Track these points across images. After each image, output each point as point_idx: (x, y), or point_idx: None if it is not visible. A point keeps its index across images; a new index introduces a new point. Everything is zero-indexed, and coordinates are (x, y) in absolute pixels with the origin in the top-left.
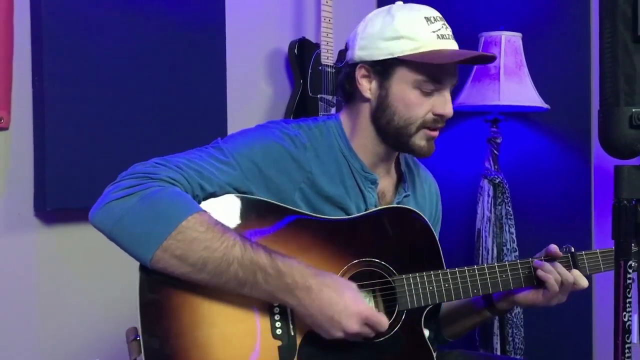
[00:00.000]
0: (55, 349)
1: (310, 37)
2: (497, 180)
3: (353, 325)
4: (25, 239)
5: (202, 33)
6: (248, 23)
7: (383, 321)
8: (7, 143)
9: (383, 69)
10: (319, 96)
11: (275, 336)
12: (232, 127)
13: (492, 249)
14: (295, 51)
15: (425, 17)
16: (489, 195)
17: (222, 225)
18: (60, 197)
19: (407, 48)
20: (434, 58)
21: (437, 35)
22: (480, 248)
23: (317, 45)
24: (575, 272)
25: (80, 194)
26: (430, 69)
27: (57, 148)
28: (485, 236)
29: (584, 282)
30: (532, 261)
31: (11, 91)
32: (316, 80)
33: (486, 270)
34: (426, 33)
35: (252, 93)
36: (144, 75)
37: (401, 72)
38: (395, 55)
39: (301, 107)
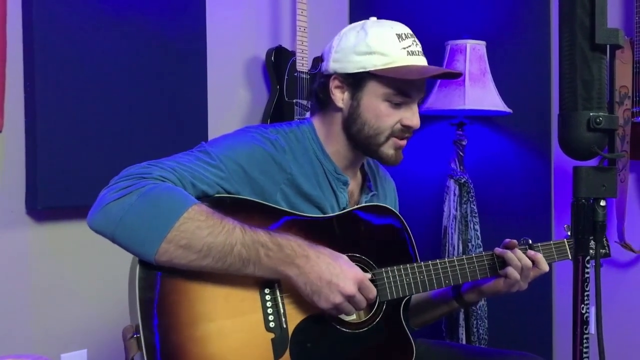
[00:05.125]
0: (47, 340)
1: (286, 45)
2: (463, 180)
3: (350, 287)
4: (18, 235)
5: (185, 42)
6: (227, 32)
7: (373, 288)
8: (0, 145)
9: (355, 81)
10: (294, 101)
11: (268, 329)
12: (213, 130)
13: (458, 245)
14: (272, 58)
15: (397, 34)
16: (454, 194)
17: (219, 213)
18: (51, 196)
19: (379, 63)
20: (404, 74)
21: (408, 51)
22: (447, 244)
23: (292, 53)
24: (538, 256)
25: (69, 194)
26: (399, 83)
27: (47, 150)
28: (452, 233)
29: (544, 266)
30: (494, 251)
31: (4, 96)
32: (292, 86)
33: (456, 262)
34: (397, 49)
35: (231, 98)
36: (129, 81)
37: (372, 85)
38: (367, 69)
39: (278, 112)
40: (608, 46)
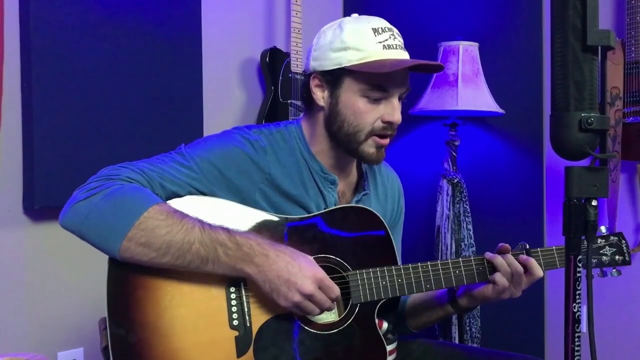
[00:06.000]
0: (43, 339)
1: (281, 46)
2: (456, 180)
3: (308, 286)
4: (15, 235)
5: (180, 43)
6: (223, 33)
7: (335, 288)
8: None
9: (333, 78)
10: (289, 102)
11: (232, 327)
12: (208, 130)
13: (451, 245)
14: (267, 59)
15: (372, 28)
16: (447, 194)
17: (181, 212)
18: (48, 196)
19: (354, 58)
20: (377, 67)
21: (384, 45)
22: (440, 244)
23: (287, 54)
24: (530, 260)
25: (66, 193)
26: (375, 78)
27: (44, 150)
28: (445, 232)
29: (538, 271)
30: (485, 256)
31: (1, 96)
32: (286, 86)
33: (439, 267)
34: (372, 43)
35: (226, 99)
36: (126, 81)
37: (348, 82)
38: (343, 65)
39: (272, 112)
40: (599, 47)
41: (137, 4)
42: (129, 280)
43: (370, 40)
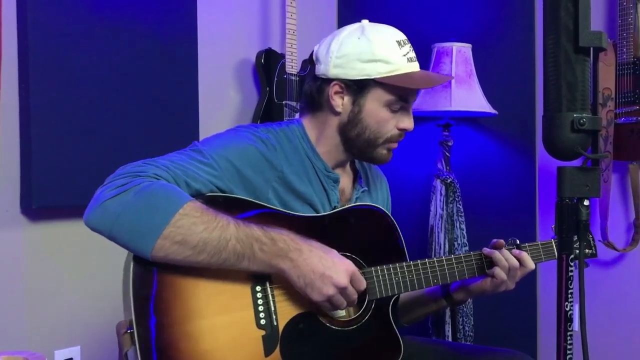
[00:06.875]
0: (41, 337)
1: (276, 47)
2: (449, 180)
3: (343, 279)
4: (13, 234)
5: (176, 44)
6: (218, 35)
7: (363, 280)
8: None
9: (358, 88)
10: (284, 102)
11: (259, 326)
12: (204, 131)
13: (444, 244)
14: (262, 61)
15: (397, 41)
16: (441, 194)
17: (213, 209)
18: (45, 196)
19: (383, 70)
20: (409, 82)
21: (407, 58)
22: (433, 243)
23: (282, 56)
24: (523, 254)
25: (64, 193)
26: (401, 90)
27: (41, 150)
28: (438, 232)
29: (530, 264)
30: (482, 251)
31: None
32: (281, 87)
33: (444, 262)
34: (399, 56)
35: (222, 99)
36: (122, 82)
37: (376, 92)
38: (372, 77)
39: (267, 113)
40: (591, 49)
41: (134, 5)
42: (154, 283)
43: (397, 54)
